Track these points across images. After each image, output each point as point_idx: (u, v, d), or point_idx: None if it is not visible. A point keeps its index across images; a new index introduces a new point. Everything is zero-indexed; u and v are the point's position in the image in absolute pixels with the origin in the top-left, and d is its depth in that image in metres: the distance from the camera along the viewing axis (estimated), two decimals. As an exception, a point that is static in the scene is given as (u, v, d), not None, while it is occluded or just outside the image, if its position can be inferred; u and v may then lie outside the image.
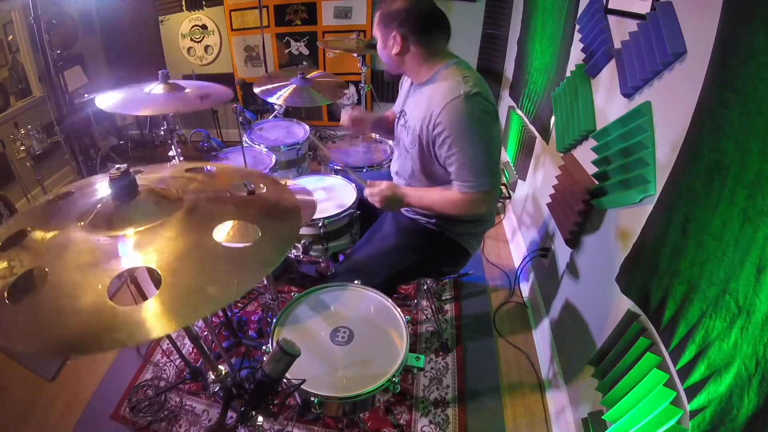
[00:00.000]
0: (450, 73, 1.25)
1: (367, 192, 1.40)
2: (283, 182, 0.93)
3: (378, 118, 1.68)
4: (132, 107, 1.47)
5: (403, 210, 1.53)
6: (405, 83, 1.52)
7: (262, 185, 0.87)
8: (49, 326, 0.56)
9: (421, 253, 1.46)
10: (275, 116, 2.61)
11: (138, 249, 0.65)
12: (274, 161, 2.09)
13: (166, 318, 0.57)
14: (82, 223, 0.70)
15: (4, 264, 0.64)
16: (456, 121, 1.19)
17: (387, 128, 1.67)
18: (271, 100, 2.15)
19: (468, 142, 1.20)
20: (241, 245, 0.68)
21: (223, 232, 0.75)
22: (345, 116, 1.61)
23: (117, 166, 0.71)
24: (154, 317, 0.56)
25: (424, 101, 1.29)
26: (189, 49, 3.68)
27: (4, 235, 0.72)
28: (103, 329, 0.55)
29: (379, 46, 1.34)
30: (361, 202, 1.69)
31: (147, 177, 0.83)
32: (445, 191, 1.33)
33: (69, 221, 0.71)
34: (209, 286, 0.62)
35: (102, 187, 0.80)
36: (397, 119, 1.51)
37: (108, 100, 1.45)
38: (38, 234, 0.70)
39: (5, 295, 0.59)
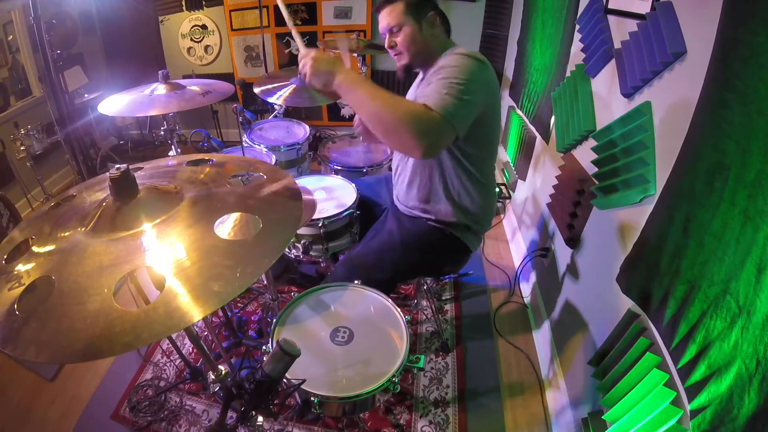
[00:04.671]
0: (456, 49, 1.30)
1: (300, 56, 1.22)
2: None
3: None
4: (135, 110, 1.47)
5: (402, 208, 1.53)
6: (415, 82, 1.53)
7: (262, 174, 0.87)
8: (59, 334, 0.56)
9: (423, 252, 1.46)
10: (275, 116, 2.61)
11: (161, 240, 0.66)
12: (274, 161, 2.09)
13: (193, 306, 0.58)
14: (84, 228, 0.70)
15: (11, 275, 0.65)
16: (450, 61, 1.21)
17: None
18: (271, 100, 2.15)
19: (452, 70, 1.16)
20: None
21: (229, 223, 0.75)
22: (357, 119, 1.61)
23: (117, 166, 0.71)
24: (182, 306, 0.58)
25: (428, 79, 1.30)
26: (189, 49, 3.68)
27: (9, 246, 0.72)
28: (114, 333, 0.55)
29: (407, 37, 1.29)
30: (361, 202, 1.69)
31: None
32: (399, 96, 1.15)
33: (71, 227, 0.71)
34: (222, 274, 0.62)
35: (101, 189, 0.81)
36: None
37: (111, 106, 1.45)
38: (42, 242, 0.70)
39: (14, 305, 0.59)
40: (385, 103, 1.08)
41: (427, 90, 1.14)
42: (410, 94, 1.52)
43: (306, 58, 1.17)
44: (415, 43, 1.31)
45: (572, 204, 1.59)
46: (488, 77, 1.25)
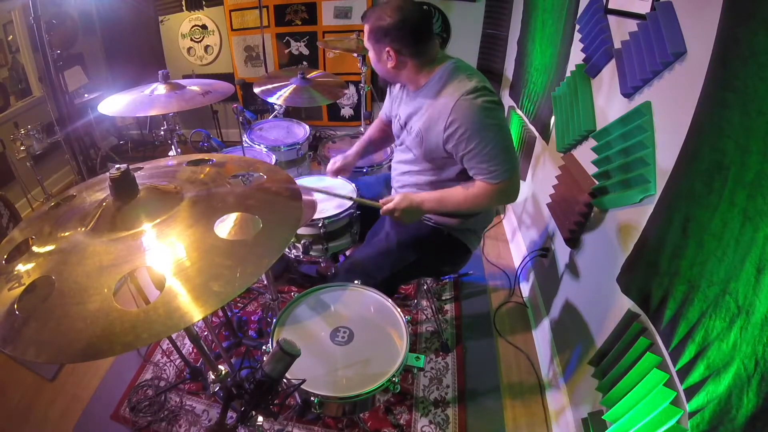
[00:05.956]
0: (451, 73, 1.27)
1: (383, 211, 1.38)
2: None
3: (363, 150, 1.72)
4: (135, 110, 1.47)
5: None
6: (395, 87, 1.52)
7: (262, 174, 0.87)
8: (59, 334, 0.56)
9: (422, 252, 1.46)
10: (275, 116, 2.61)
11: (161, 240, 0.65)
12: (274, 161, 2.09)
13: (192, 305, 0.58)
14: (84, 228, 0.70)
15: (11, 275, 0.64)
16: (470, 116, 1.21)
17: (375, 149, 1.77)
18: (271, 100, 2.15)
19: (485, 133, 1.21)
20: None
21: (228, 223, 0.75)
22: (329, 167, 1.70)
23: (117, 166, 0.70)
24: (182, 306, 0.58)
25: (426, 105, 1.30)
26: (189, 49, 3.67)
27: (9, 246, 0.72)
28: (114, 333, 0.55)
29: (372, 59, 1.34)
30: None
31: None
32: (469, 189, 1.31)
33: (71, 227, 0.71)
34: (222, 274, 0.62)
35: (101, 189, 0.80)
36: (392, 122, 1.51)
37: (111, 106, 1.45)
38: (42, 242, 0.70)
39: (14, 305, 0.59)
40: (474, 203, 1.30)
41: (471, 161, 1.26)
42: (393, 100, 1.52)
43: (393, 213, 1.35)
44: (375, 67, 1.36)
45: (572, 204, 1.59)
46: (497, 106, 1.25)
